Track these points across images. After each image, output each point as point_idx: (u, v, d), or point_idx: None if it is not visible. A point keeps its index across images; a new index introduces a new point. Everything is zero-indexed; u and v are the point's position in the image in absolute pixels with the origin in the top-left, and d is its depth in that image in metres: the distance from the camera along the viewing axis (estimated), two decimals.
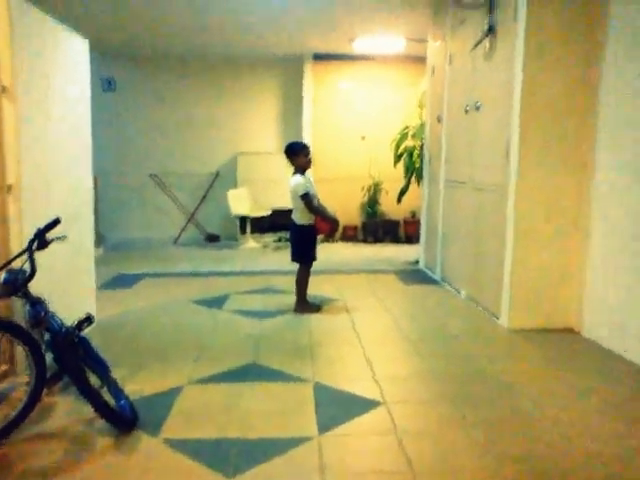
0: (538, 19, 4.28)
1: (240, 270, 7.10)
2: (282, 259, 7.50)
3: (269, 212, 9.13)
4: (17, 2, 3.43)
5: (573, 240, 4.45)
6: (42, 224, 2.98)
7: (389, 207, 9.38)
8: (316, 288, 5.54)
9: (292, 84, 9.78)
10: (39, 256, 2.94)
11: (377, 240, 9.52)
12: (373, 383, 3.44)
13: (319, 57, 9.48)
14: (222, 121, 9.90)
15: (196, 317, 4.97)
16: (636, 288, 3.81)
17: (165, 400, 3.19)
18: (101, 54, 9.03)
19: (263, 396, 3.27)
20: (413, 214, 9.39)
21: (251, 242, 9.12)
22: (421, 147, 7.49)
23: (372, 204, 9.56)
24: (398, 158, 7.85)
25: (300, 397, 3.24)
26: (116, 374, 3.07)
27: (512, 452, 2.61)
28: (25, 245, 2.93)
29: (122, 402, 2.88)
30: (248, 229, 9.13)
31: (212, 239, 9.75)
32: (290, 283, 5.32)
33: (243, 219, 9.20)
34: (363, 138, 9.67)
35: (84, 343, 3.00)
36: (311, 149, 5.20)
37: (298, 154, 5.00)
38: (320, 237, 5.15)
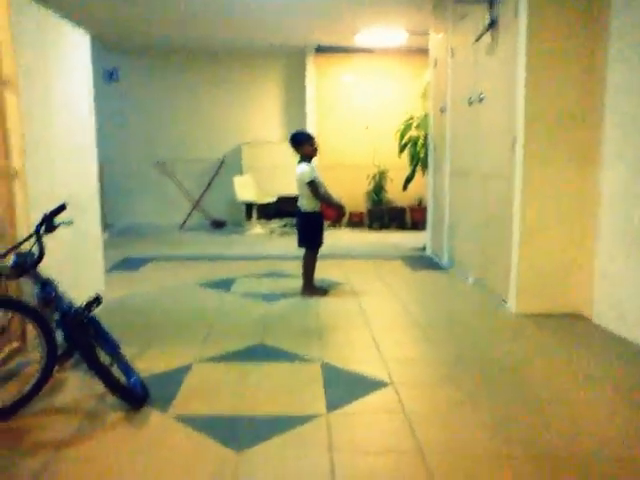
0: (539, 13, 4.24)
1: (247, 254, 7.12)
2: (288, 244, 7.52)
3: (275, 199, 9.13)
4: None
5: (581, 226, 4.44)
6: (49, 208, 3.02)
7: (395, 194, 9.38)
8: (323, 272, 5.55)
9: (295, 75, 9.79)
10: (49, 241, 2.99)
11: (383, 227, 9.52)
12: (381, 364, 3.46)
13: (322, 49, 9.48)
14: (227, 111, 9.91)
15: (204, 299, 5.00)
16: None
17: (174, 378, 3.22)
18: (104, 45, 9.03)
19: (271, 375, 3.29)
20: (419, 201, 9.39)
21: (257, 228, 9.14)
22: (425, 137, 7.48)
23: (378, 191, 9.56)
24: (403, 148, 7.84)
25: (308, 376, 3.26)
26: (126, 353, 3.11)
27: (520, 435, 2.61)
28: (33, 229, 2.97)
29: (132, 379, 2.91)
30: (254, 215, 9.15)
31: (218, 225, 9.77)
32: (297, 268, 5.34)
33: (249, 205, 9.22)
34: (367, 128, 9.66)
35: (94, 322, 3.04)
36: (316, 138, 5.19)
37: (303, 144, 5.02)
38: (326, 223, 5.17)
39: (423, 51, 7.76)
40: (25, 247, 2.99)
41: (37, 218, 3.02)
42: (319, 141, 5.12)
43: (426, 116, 7.46)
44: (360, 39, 8.65)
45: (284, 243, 8.03)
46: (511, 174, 4.59)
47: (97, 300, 3.06)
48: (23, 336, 3.46)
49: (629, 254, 3.95)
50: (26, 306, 2.82)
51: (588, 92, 4.30)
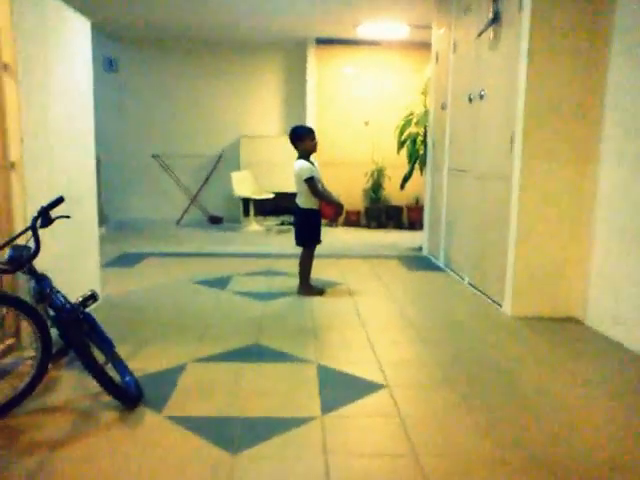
0: (543, 8, 4.24)
1: (243, 252, 7.11)
2: (285, 242, 7.52)
3: (272, 195, 9.12)
4: None
5: (577, 229, 4.44)
6: (45, 202, 2.99)
7: (392, 193, 9.37)
8: (319, 272, 5.55)
9: (296, 68, 9.73)
10: (44, 235, 2.95)
11: (380, 226, 9.51)
12: (376, 366, 3.45)
13: (322, 41, 9.42)
14: (225, 104, 9.86)
15: (199, 297, 4.99)
16: (639, 279, 3.81)
17: (169, 378, 3.21)
18: (104, 35, 8.99)
19: (266, 376, 3.29)
20: (417, 200, 9.38)
21: (254, 225, 9.12)
22: (424, 134, 7.46)
23: (376, 189, 9.54)
24: (401, 144, 7.81)
25: (303, 378, 3.26)
26: (120, 351, 3.10)
27: (513, 438, 2.62)
28: (29, 222, 2.95)
29: (127, 378, 2.91)
30: (251, 211, 9.13)
31: (215, 221, 9.75)
32: (293, 266, 5.34)
33: (246, 201, 9.19)
34: (367, 124, 9.63)
35: (89, 319, 3.03)
36: (316, 133, 5.16)
37: (304, 139, 4.97)
38: (323, 222, 5.15)
39: (425, 45, 7.74)
40: (21, 241, 2.96)
41: (34, 210, 2.99)
42: (318, 136, 5.08)
43: (426, 112, 7.44)
44: (362, 31, 8.60)
45: (281, 241, 8.02)
46: (509, 173, 4.58)
47: (92, 297, 3.05)
48: (17, 333, 3.43)
49: (625, 257, 3.95)
50: (21, 301, 2.79)
51: (589, 89, 4.30)
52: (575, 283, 4.48)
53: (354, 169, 9.52)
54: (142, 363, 3.38)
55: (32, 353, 2.82)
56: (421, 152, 7.55)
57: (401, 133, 7.82)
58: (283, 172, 8.58)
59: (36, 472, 2.27)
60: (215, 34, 9.27)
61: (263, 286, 5.39)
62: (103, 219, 7.83)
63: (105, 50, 9.37)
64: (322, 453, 2.45)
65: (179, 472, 2.30)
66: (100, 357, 2.91)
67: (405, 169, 7.78)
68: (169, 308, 4.65)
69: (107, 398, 2.83)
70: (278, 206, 9.35)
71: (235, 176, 9.05)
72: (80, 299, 2.99)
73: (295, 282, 5.20)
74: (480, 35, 5.23)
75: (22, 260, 2.84)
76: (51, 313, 2.86)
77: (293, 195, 5.12)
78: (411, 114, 7.88)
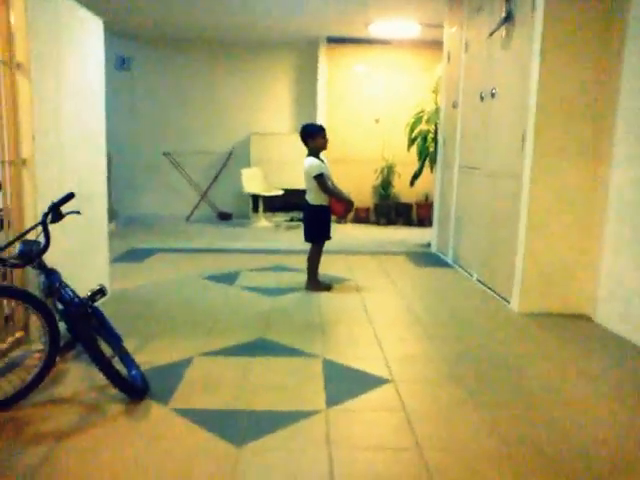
0: (556, 8, 4.21)
1: (252, 248, 7.13)
2: (294, 238, 7.53)
3: (281, 192, 9.13)
4: None
5: (587, 228, 4.41)
6: (56, 198, 3.02)
7: (402, 189, 9.35)
8: (327, 268, 5.55)
9: (307, 66, 9.74)
10: (54, 230, 2.98)
11: (389, 222, 9.50)
12: (382, 362, 3.46)
13: (334, 40, 9.41)
14: (236, 101, 9.89)
15: (207, 292, 5.01)
16: None
17: (175, 371, 3.23)
18: (116, 33, 9.02)
19: (272, 370, 3.30)
20: (426, 197, 9.36)
21: (263, 221, 9.14)
22: (435, 131, 7.44)
23: (385, 186, 9.52)
24: (412, 142, 7.79)
25: (309, 372, 3.27)
26: (128, 345, 3.12)
27: (519, 434, 2.61)
28: (40, 218, 2.97)
29: (134, 372, 2.93)
30: (261, 208, 9.15)
31: (224, 217, 9.78)
32: (301, 262, 5.35)
33: (256, 198, 9.22)
34: (377, 121, 9.62)
35: (97, 314, 3.05)
36: (327, 131, 5.15)
37: (315, 136, 4.97)
38: (332, 218, 5.16)
39: (436, 44, 7.70)
40: (31, 236, 2.99)
41: (44, 206, 3.02)
42: (329, 134, 5.08)
43: (437, 110, 7.42)
44: (373, 30, 8.58)
45: (289, 237, 8.03)
46: (520, 170, 4.56)
47: (101, 291, 3.07)
48: (26, 326, 3.47)
49: (635, 255, 3.92)
50: (30, 295, 2.82)
51: (602, 88, 4.26)
52: (585, 280, 4.45)
53: (364, 166, 9.51)
54: (149, 356, 3.40)
55: (40, 346, 2.86)
56: (431, 149, 7.53)
57: (411, 130, 7.80)
58: (293, 169, 8.59)
59: (42, 463, 2.29)
60: (226, 33, 9.28)
61: (271, 282, 5.41)
62: (113, 215, 7.89)
63: (117, 49, 9.42)
64: (326, 446, 2.45)
65: (184, 464, 2.31)
66: (107, 350, 2.93)
67: (415, 166, 7.76)
68: (177, 303, 4.67)
69: (113, 391, 2.86)
70: (287, 202, 9.36)
71: (245, 173, 9.07)
72: (89, 293, 3.02)
73: (303, 278, 5.21)
74: (492, 34, 5.21)
75: (32, 255, 2.87)
76: (60, 307, 2.89)
77: (302, 192, 5.13)
78: (422, 112, 7.85)
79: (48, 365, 2.81)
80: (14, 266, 3.02)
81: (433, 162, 7.44)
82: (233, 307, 4.59)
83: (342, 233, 8.17)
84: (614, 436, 2.63)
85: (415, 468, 2.31)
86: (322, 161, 4.99)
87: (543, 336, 4.03)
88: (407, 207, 9.59)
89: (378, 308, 4.62)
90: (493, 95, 5.24)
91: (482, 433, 2.61)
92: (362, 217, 9.59)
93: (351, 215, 9.19)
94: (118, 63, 9.56)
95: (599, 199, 4.33)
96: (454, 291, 5.29)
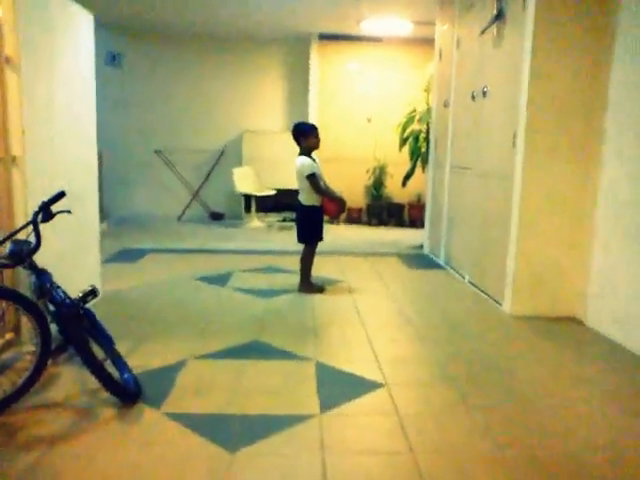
0: (547, 6, 4.22)
1: (244, 248, 7.11)
2: (286, 239, 7.52)
3: (274, 192, 9.11)
4: None
5: (578, 229, 4.44)
6: (47, 197, 2.99)
7: (394, 190, 9.36)
8: (320, 269, 5.55)
9: (299, 63, 9.72)
10: (45, 230, 2.95)
11: (381, 223, 9.51)
12: (375, 365, 3.46)
13: (325, 37, 9.40)
14: (228, 99, 9.86)
15: (199, 294, 4.99)
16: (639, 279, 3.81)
17: (168, 374, 3.21)
18: (107, 28, 8.96)
19: (265, 373, 3.29)
20: (418, 198, 9.37)
21: (256, 221, 9.12)
22: (427, 131, 7.45)
23: (377, 186, 9.53)
24: (404, 142, 7.80)
25: (302, 376, 3.26)
26: (120, 347, 3.10)
27: (512, 437, 2.62)
28: (30, 217, 2.94)
29: (126, 375, 2.91)
30: (253, 208, 9.13)
31: (216, 217, 9.75)
32: (294, 263, 5.34)
33: (248, 198, 9.19)
34: (369, 120, 9.62)
35: (89, 315, 3.03)
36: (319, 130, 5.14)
37: (307, 135, 4.95)
38: (325, 218, 5.15)
39: (428, 41, 7.71)
40: (22, 235, 2.96)
41: (35, 205, 2.99)
42: (321, 132, 5.07)
43: (429, 109, 7.43)
44: (365, 27, 8.59)
45: (282, 237, 8.02)
46: (511, 171, 4.57)
47: (93, 292, 3.04)
48: (17, 328, 3.44)
49: (626, 258, 3.94)
50: (21, 296, 2.79)
51: (593, 87, 4.29)
52: (576, 282, 4.48)
53: (356, 166, 9.51)
54: (142, 360, 3.38)
55: (31, 348, 2.83)
56: (423, 149, 7.54)
57: (403, 130, 7.81)
58: (285, 168, 8.57)
59: (34, 468, 2.27)
60: (218, 29, 9.26)
61: (264, 283, 5.39)
62: (104, 214, 7.84)
63: (108, 44, 9.35)
64: (320, 451, 2.45)
65: (177, 469, 2.30)
66: (99, 353, 2.91)
67: (407, 166, 7.77)
68: (170, 304, 4.65)
69: (106, 394, 2.84)
70: (279, 202, 9.34)
71: (237, 172, 9.05)
72: (80, 295, 2.99)
73: (296, 279, 5.20)
74: (484, 32, 5.22)
75: (22, 255, 2.84)
76: (51, 308, 2.86)
77: (295, 192, 5.12)
78: (413, 111, 7.86)
79: (39, 368, 2.78)
80: (4, 266, 2.99)
81: (425, 162, 7.46)
82: (226, 309, 4.57)
83: (334, 234, 8.17)
84: (606, 440, 2.64)
85: (408, 472, 2.32)
86: (314, 160, 4.98)
87: (535, 339, 4.05)
88: (399, 208, 9.60)
89: (370, 310, 4.62)
90: (484, 94, 5.25)
91: (475, 436, 2.62)
92: (354, 218, 9.59)
93: (343, 215, 9.18)
94: (108, 59, 9.50)
95: (590, 198, 4.35)
96: (446, 293, 5.30)
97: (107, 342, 3.02)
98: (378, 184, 9.53)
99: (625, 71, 3.99)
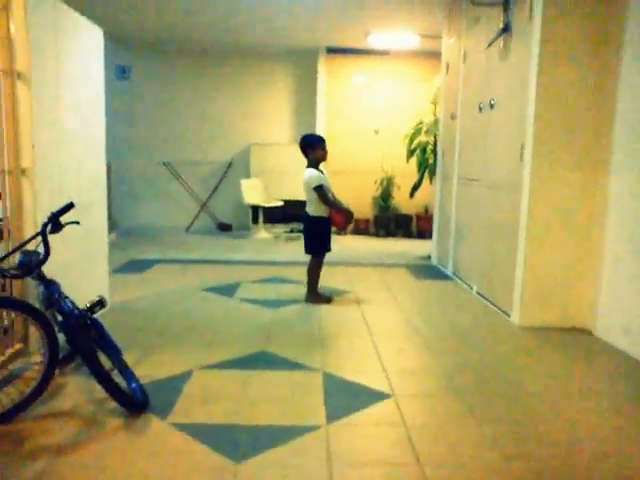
0: (554, 18, 4.24)
1: (252, 259, 7.12)
2: (294, 250, 7.53)
3: (281, 203, 9.14)
4: None
5: (587, 240, 4.42)
6: (56, 208, 3.01)
7: (402, 201, 9.36)
8: (327, 279, 5.55)
9: (306, 76, 9.78)
10: (54, 240, 2.98)
11: (389, 234, 9.50)
12: (382, 375, 3.44)
13: (333, 50, 9.47)
14: (237, 111, 9.92)
15: (207, 304, 5.00)
16: None
17: (175, 384, 3.21)
18: (116, 42, 9.07)
19: (272, 383, 3.29)
20: (426, 209, 9.37)
21: (263, 232, 9.14)
22: (434, 143, 7.46)
23: (385, 198, 9.54)
24: (411, 153, 7.82)
25: (309, 386, 3.25)
26: (127, 357, 3.11)
27: (519, 449, 2.60)
28: (39, 228, 2.97)
29: (133, 385, 2.91)
30: (261, 219, 9.15)
31: (224, 228, 9.78)
32: (301, 274, 5.34)
33: (255, 209, 9.22)
34: (377, 132, 9.65)
35: (97, 325, 3.04)
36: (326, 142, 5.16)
37: (315, 147, 4.97)
38: (332, 230, 5.16)
39: (435, 54, 7.76)
40: (31, 246, 2.99)
41: (44, 216, 3.02)
42: (328, 145, 5.09)
43: (436, 121, 7.45)
44: (372, 41, 8.65)
45: (290, 248, 8.03)
46: (519, 182, 4.57)
47: (100, 303, 3.06)
48: (25, 338, 3.46)
49: (635, 268, 3.92)
50: (30, 307, 2.81)
51: (600, 99, 4.29)
52: (584, 293, 4.45)
53: (364, 177, 9.53)
54: (149, 370, 3.39)
55: (39, 358, 2.84)
56: (430, 161, 7.55)
57: (411, 142, 7.83)
58: (293, 180, 8.59)
59: (41, 477, 2.28)
60: (226, 43, 9.35)
61: (271, 294, 5.40)
62: (113, 225, 7.88)
63: (117, 58, 9.45)
64: (327, 461, 2.44)
65: (184, 479, 2.30)
66: (107, 363, 2.92)
67: (414, 178, 7.78)
68: (177, 315, 4.66)
69: (113, 404, 2.84)
70: (287, 214, 9.37)
71: (245, 184, 9.09)
72: (88, 305, 3.01)
73: (303, 290, 5.20)
74: (490, 45, 5.24)
75: (31, 265, 2.87)
76: (59, 318, 2.88)
77: (302, 203, 5.13)
78: (421, 123, 7.89)
79: (47, 377, 2.79)
80: (14, 277, 3.01)
81: (432, 173, 7.47)
82: (233, 319, 4.57)
83: (342, 245, 8.17)
84: (616, 452, 2.61)
85: None
86: (321, 172, 5.00)
87: (543, 350, 4.02)
88: (407, 219, 9.60)
89: (378, 321, 4.61)
90: (492, 106, 5.26)
91: (482, 448, 2.60)
92: (362, 229, 9.59)
93: (351, 227, 9.20)
94: (118, 72, 9.60)
95: (598, 211, 4.33)
96: (454, 304, 5.29)
97: (114, 352, 3.03)
98: (386, 195, 9.54)
99: (633, 81, 3.99)
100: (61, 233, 3.02)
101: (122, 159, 9.48)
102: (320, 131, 9.19)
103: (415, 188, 7.77)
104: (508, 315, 4.73)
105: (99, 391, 2.84)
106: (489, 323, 4.66)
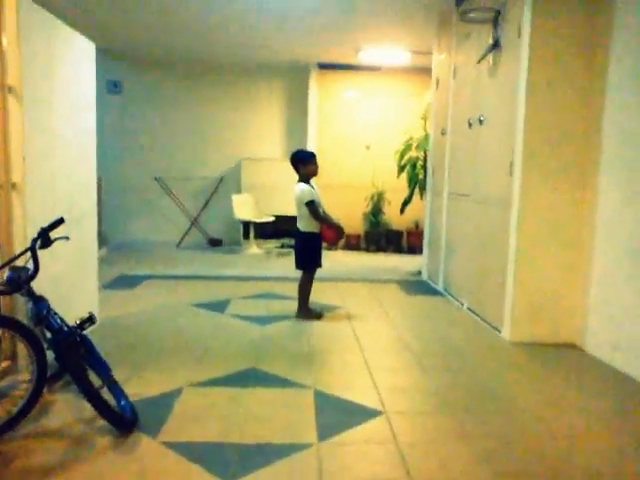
0: (542, 35, 4.31)
1: (243, 275, 7.10)
2: (285, 265, 7.51)
3: (272, 218, 9.14)
4: (25, 3, 3.46)
5: (576, 255, 4.45)
6: (46, 223, 3.00)
7: (392, 217, 9.39)
8: (318, 295, 5.54)
9: (297, 92, 9.83)
10: (43, 256, 2.96)
11: (380, 249, 9.51)
12: (373, 392, 3.43)
13: (324, 66, 9.54)
14: (227, 126, 9.94)
15: (197, 320, 4.97)
16: (639, 305, 3.80)
17: (165, 402, 3.18)
18: (108, 57, 9.08)
19: (263, 401, 3.26)
20: (416, 224, 9.39)
21: (254, 248, 9.12)
22: (424, 158, 7.51)
23: (375, 213, 9.57)
24: (401, 169, 7.87)
25: (300, 404, 3.23)
26: (117, 375, 3.08)
27: (510, 466, 2.60)
28: (29, 243, 2.95)
29: (123, 403, 2.89)
30: (252, 234, 9.14)
31: (215, 243, 9.76)
32: (292, 289, 5.33)
33: (246, 224, 9.21)
34: (368, 148, 9.70)
35: (86, 342, 3.02)
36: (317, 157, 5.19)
37: (306, 162, 4.99)
38: (323, 245, 5.16)
39: (426, 70, 7.84)
40: (20, 262, 2.96)
41: (34, 231, 3.00)
42: (319, 160, 5.11)
43: (426, 136, 7.50)
44: (363, 56, 8.72)
45: (281, 264, 8.01)
46: (508, 198, 4.60)
47: (90, 319, 3.04)
48: (13, 355, 3.41)
49: (624, 284, 3.95)
50: (18, 323, 2.79)
51: (587, 115, 4.35)
52: (574, 309, 4.47)
53: (354, 193, 9.56)
54: (138, 387, 3.36)
55: (28, 376, 2.80)
56: (421, 176, 7.60)
57: (401, 157, 7.88)
58: (284, 195, 8.59)
59: None
60: (218, 58, 9.40)
61: (262, 310, 5.38)
62: (103, 241, 7.84)
63: (109, 73, 9.46)
64: None
65: None
66: (96, 381, 2.89)
67: (405, 193, 7.82)
68: (167, 331, 4.63)
69: (102, 422, 2.81)
70: (278, 229, 9.36)
71: (236, 199, 9.09)
72: (78, 322, 2.99)
73: (294, 305, 5.18)
74: (480, 61, 5.30)
75: (20, 281, 2.84)
76: (48, 335, 2.85)
77: (293, 218, 5.14)
78: (411, 139, 7.95)
79: (35, 395, 2.77)
80: (2, 293, 2.99)
81: (423, 189, 7.51)
82: (223, 336, 4.55)
83: (333, 260, 8.17)
84: (607, 469, 2.61)
85: None
86: (313, 187, 5.01)
87: (534, 366, 4.03)
88: (397, 234, 9.62)
89: (369, 337, 4.60)
90: (481, 122, 5.31)
91: (473, 465, 2.59)
92: (352, 244, 9.60)
93: (342, 242, 9.20)
94: (110, 87, 9.61)
95: (587, 226, 4.37)
96: (445, 320, 5.29)
97: (104, 369, 3.00)
98: (376, 211, 9.56)
99: (619, 99, 4.04)
100: (51, 248, 3.01)
101: (113, 174, 9.46)
102: (311, 146, 9.23)
103: (405, 203, 7.81)
104: (499, 331, 4.73)
105: (88, 409, 2.81)
106: (480, 339, 4.67)
